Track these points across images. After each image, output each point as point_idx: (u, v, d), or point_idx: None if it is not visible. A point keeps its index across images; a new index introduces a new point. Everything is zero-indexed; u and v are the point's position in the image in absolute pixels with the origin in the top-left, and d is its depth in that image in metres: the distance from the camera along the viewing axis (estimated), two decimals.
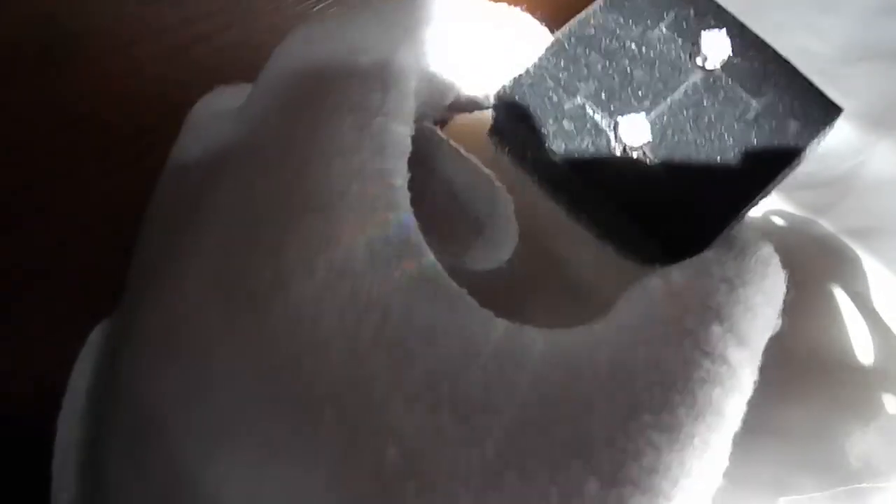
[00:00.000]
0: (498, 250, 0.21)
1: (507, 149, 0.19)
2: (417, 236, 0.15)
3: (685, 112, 0.18)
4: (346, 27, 0.16)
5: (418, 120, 0.18)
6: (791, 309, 0.28)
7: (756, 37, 0.18)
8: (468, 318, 0.15)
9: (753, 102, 0.18)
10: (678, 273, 0.16)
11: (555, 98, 0.18)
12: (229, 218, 0.15)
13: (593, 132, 0.18)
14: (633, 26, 0.18)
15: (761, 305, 0.15)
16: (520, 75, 0.18)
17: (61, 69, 0.24)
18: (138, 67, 0.25)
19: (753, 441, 0.26)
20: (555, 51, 0.18)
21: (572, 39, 0.18)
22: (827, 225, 0.30)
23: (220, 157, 0.16)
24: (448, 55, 0.17)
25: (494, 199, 0.21)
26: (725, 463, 0.14)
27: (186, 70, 0.26)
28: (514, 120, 0.18)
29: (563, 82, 0.18)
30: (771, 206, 0.31)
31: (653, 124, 0.18)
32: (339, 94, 0.15)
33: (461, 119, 0.34)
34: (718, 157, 0.17)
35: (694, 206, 0.17)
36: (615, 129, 0.17)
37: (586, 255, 0.30)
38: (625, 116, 0.17)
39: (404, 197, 0.16)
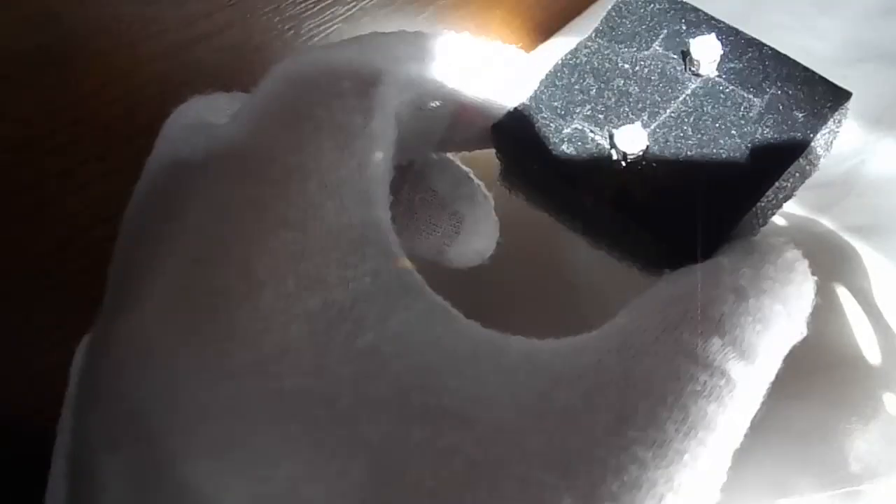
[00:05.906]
0: (478, 245, 0.21)
1: (509, 174, 0.19)
2: (398, 248, 0.15)
3: (686, 119, 0.17)
4: (334, 54, 0.17)
5: (412, 153, 0.18)
6: None
7: (751, 38, 0.18)
8: (445, 327, 0.14)
9: (756, 100, 0.17)
10: (685, 280, 0.15)
11: (552, 125, 0.18)
12: (203, 227, 0.15)
13: (593, 149, 0.17)
14: (626, 49, 0.18)
15: (777, 316, 0.14)
16: (514, 108, 0.18)
17: (61, 69, 0.24)
18: (138, 67, 0.25)
19: (753, 441, 0.26)
20: (548, 83, 0.18)
21: (564, 70, 0.18)
22: (828, 223, 0.30)
23: (197, 169, 0.16)
24: (438, 89, 0.17)
25: (473, 194, 0.21)
26: (723, 478, 0.13)
27: (186, 70, 0.26)
28: (512, 149, 0.18)
29: (559, 110, 0.18)
30: None
31: (653, 133, 0.17)
32: (322, 115, 0.16)
33: None
34: (724, 157, 0.17)
35: (700, 208, 0.17)
36: (612, 140, 0.17)
37: (586, 257, 0.30)
38: (620, 128, 0.17)
39: (383, 214, 0.16)
